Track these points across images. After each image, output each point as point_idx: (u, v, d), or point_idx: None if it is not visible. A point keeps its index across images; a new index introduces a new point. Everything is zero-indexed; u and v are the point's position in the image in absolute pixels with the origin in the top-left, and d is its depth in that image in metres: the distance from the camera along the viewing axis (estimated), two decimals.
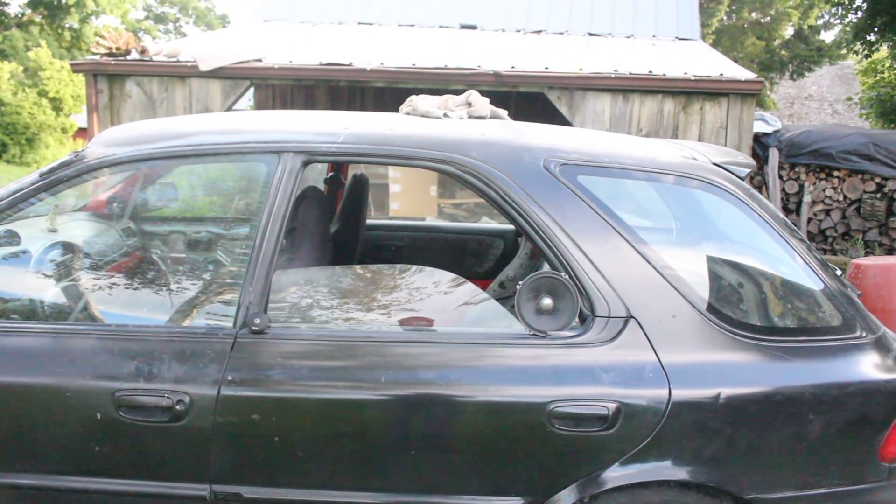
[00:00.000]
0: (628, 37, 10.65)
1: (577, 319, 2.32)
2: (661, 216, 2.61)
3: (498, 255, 4.29)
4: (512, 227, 4.34)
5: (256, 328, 2.25)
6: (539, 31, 10.81)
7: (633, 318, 2.32)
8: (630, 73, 7.61)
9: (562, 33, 10.73)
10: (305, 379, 2.27)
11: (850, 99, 18.01)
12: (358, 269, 2.81)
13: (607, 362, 2.28)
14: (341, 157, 2.43)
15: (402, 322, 2.49)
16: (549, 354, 2.29)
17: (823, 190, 9.48)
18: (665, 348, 2.30)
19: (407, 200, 8.69)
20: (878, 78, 16.67)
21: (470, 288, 2.59)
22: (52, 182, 2.42)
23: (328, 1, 11.42)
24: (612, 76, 7.60)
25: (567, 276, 2.30)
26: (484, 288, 4.25)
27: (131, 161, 2.45)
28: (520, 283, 2.28)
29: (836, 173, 9.52)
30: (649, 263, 2.36)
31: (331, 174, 4.01)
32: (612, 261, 2.35)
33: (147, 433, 2.23)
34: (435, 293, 2.72)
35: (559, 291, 2.30)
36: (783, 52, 20.70)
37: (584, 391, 2.25)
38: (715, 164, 2.62)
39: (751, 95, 7.39)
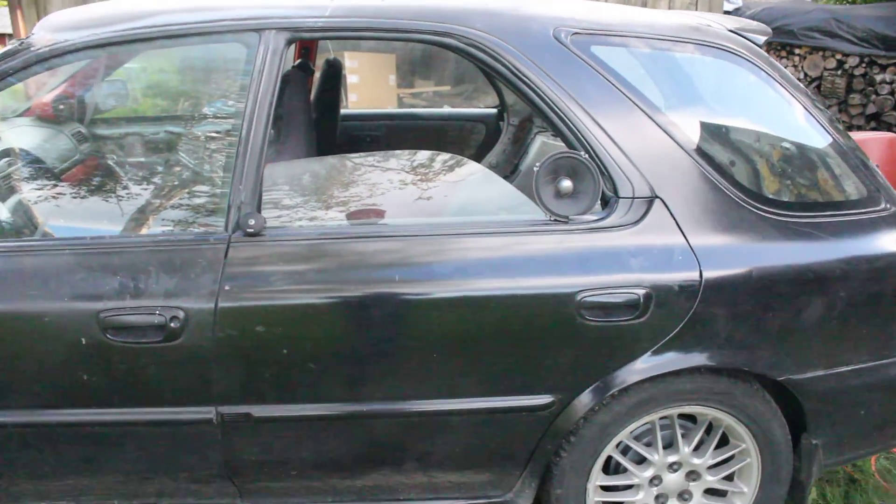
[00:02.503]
0: None
1: (599, 202, 2.15)
2: (681, 88, 2.40)
3: (480, 141, 4.07)
4: (493, 111, 4.11)
5: (251, 230, 2.02)
6: None
7: (658, 197, 2.16)
8: None
9: None
10: (312, 283, 2.06)
11: None
12: (356, 157, 2.55)
13: (635, 246, 2.13)
14: (330, 32, 2.15)
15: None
16: (573, 241, 2.13)
17: (784, 68, 9.32)
18: (693, 229, 2.16)
19: (365, 91, 8.28)
20: None
21: (482, 173, 2.38)
22: None
23: None
24: None
25: (586, 155, 2.12)
26: None
27: (88, 47, 2.12)
28: (537, 164, 2.09)
29: (797, 51, 9.37)
30: (672, 139, 2.19)
31: (298, 60, 3.69)
32: (634, 137, 2.17)
33: (140, 355, 2.02)
34: (444, 179, 2.51)
35: (579, 172, 2.12)
36: None
37: (612, 278, 2.11)
38: (732, 32, 2.41)
39: None
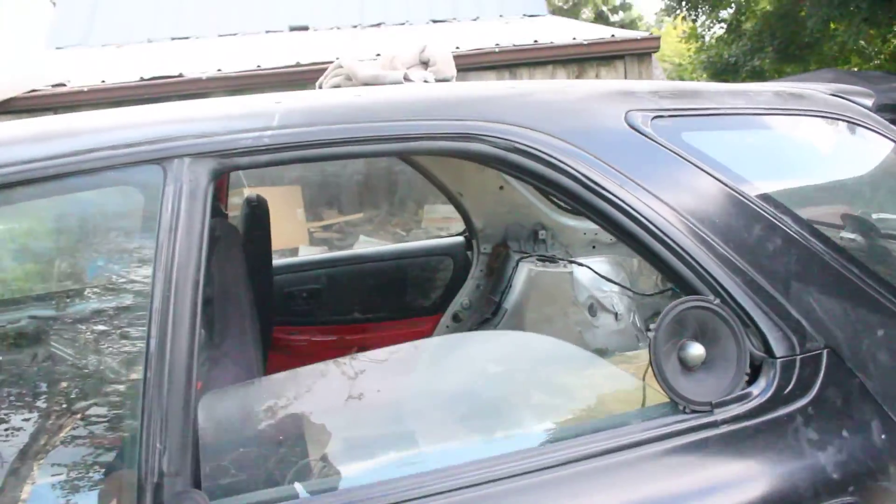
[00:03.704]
0: (474, 19, 9.86)
1: (747, 371, 1.34)
2: (811, 177, 1.66)
3: (447, 279, 3.23)
4: (459, 239, 3.29)
5: None
6: (378, 24, 9.80)
7: (829, 348, 1.37)
8: (514, 46, 6.73)
9: (403, 24, 9.78)
10: None
11: (680, 64, 18.39)
12: (356, 359, 1.61)
13: (818, 436, 1.33)
14: (282, 153, 1.28)
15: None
16: (724, 445, 1.30)
17: None
18: (887, 391, 1.38)
19: (272, 230, 7.35)
20: (700, 43, 17.06)
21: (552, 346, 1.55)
22: None
23: (132, 18, 9.81)
24: (496, 51, 6.70)
25: (718, 301, 1.33)
26: (433, 326, 3.23)
27: None
28: (652, 325, 1.29)
29: None
30: (829, 252, 1.43)
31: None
32: (779, 260, 1.39)
33: None
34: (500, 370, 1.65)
35: (711, 328, 1.33)
36: None
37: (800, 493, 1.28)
38: (836, 96, 1.73)
39: (647, 55, 6.75)
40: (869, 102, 1.78)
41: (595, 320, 3.17)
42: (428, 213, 8.57)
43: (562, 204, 3.23)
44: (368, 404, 1.48)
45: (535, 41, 6.93)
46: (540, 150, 1.34)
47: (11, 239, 1.44)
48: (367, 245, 7.36)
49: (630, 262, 3.42)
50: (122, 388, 1.22)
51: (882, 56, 15.68)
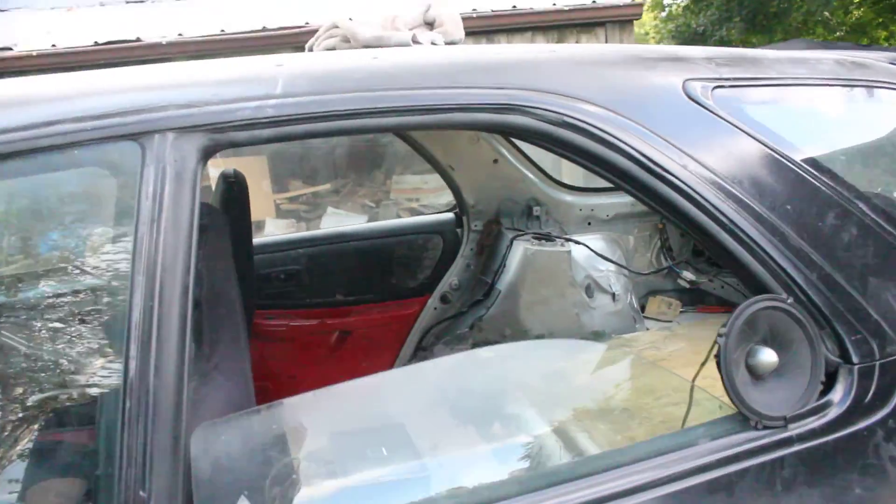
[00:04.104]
0: None
1: (822, 380, 1.18)
2: (884, 158, 1.48)
3: (436, 258, 3.02)
4: (449, 216, 3.08)
5: None
6: None
7: None
8: (492, 11, 6.46)
9: None
10: None
11: (646, 34, 18.25)
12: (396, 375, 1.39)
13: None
14: (289, 126, 1.06)
15: None
16: (801, 466, 1.13)
17: None
18: None
19: None
20: (663, 11, 16.93)
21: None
22: None
23: None
24: (474, 16, 6.42)
25: (791, 300, 1.15)
26: (421, 308, 3.02)
27: None
28: (723, 328, 1.11)
29: None
30: None
31: None
32: (856, 253, 1.22)
33: None
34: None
35: (784, 332, 1.16)
36: None
37: None
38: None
39: (629, 22, 6.54)
40: None
41: (592, 301, 3.00)
42: (396, 183, 8.31)
43: (562, 181, 3.05)
44: (390, 435, 1.28)
45: (514, 7, 6.66)
46: (593, 125, 1.13)
47: None
48: (335, 217, 7.11)
49: (626, 239, 3.26)
50: (93, 419, 0.99)
51: (844, 27, 15.71)
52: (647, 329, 3.16)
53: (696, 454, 1.10)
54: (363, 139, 7.79)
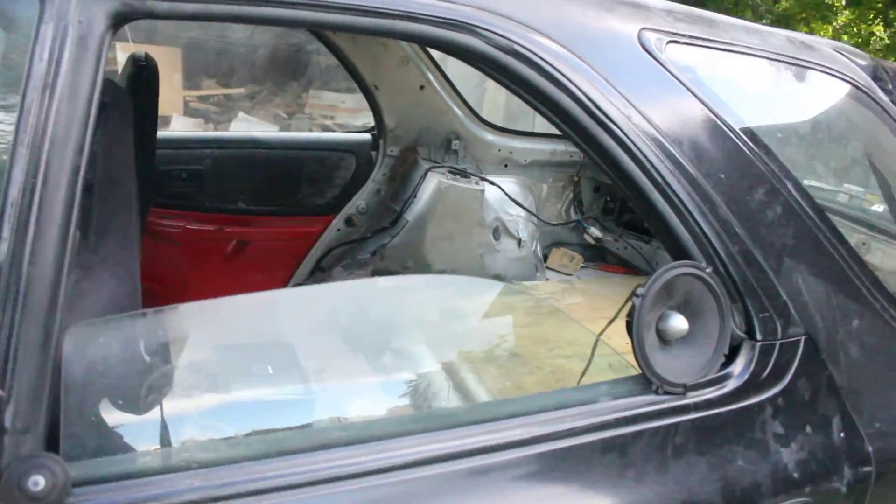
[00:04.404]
0: None
1: (726, 353, 1.19)
2: (813, 137, 1.48)
3: (346, 178, 2.92)
4: (366, 137, 2.97)
5: (38, 497, 0.79)
6: None
7: (807, 335, 1.23)
8: None
9: None
10: None
11: None
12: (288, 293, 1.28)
13: (783, 430, 1.20)
14: (214, 3, 0.94)
15: None
16: (692, 434, 1.14)
17: None
18: (853, 382, 1.28)
19: None
20: None
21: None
22: None
23: None
24: None
25: (710, 269, 1.15)
26: (324, 228, 2.93)
27: None
28: (640, 289, 1.09)
29: None
30: (823, 229, 1.28)
31: None
32: (777, 232, 1.22)
33: None
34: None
35: (698, 300, 1.16)
36: None
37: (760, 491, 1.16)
38: (838, 52, 1.55)
39: None
40: (868, 67, 1.61)
41: (498, 244, 2.99)
42: (313, 98, 8.04)
43: (485, 119, 2.99)
44: (261, 352, 1.21)
45: None
46: (543, 59, 1.07)
47: None
48: (245, 123, 6.81)
49: (539, 186, 3.25)
50: None
51: (771, 16, 16.10)
52: (548, 280, 3.18)
53: (596, 411, 1.09)
54: (288, 45, 7.46)
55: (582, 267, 3.36)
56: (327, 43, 2.60)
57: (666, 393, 1.13)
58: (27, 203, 0.80)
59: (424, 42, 1.08)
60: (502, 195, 3.01)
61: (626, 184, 1.13)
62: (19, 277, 0.79)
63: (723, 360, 1.18)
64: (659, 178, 1.12)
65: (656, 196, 1.13)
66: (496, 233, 2.98)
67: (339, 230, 2.91)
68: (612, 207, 3.40)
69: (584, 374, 1.39)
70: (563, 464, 1.05)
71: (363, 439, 0.98)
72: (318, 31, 2.44)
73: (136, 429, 0.99)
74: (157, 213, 2.59)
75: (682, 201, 1.13)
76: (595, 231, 3.31)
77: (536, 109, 1.10)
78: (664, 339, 1.15)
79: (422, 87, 2.73)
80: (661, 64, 1.17)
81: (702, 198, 1.14)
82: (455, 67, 2.33)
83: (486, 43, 1.04)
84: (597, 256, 3.43)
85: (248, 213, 2.81)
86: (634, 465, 1.09)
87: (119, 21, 0.89)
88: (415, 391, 1.49)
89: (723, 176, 1.17)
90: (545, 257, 3.30)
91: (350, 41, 2.57)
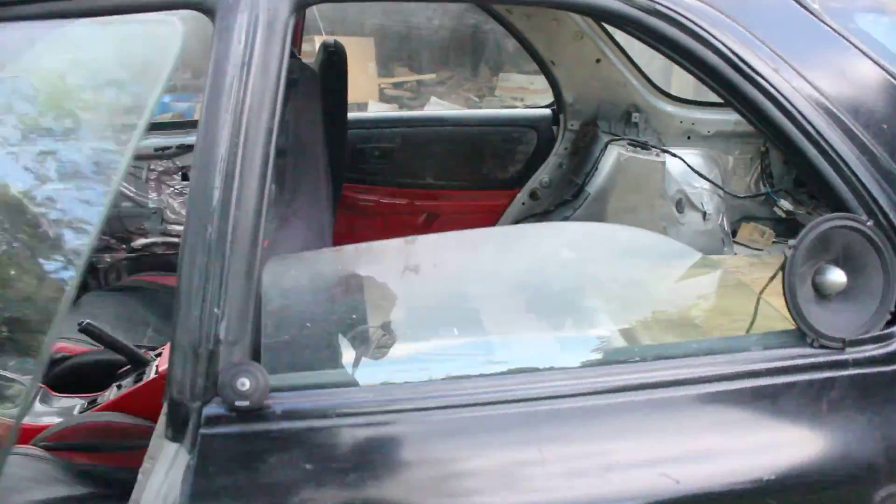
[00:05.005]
0: None
1: (892, 310, 1.16)
2: None
3: (529, 153, 3.02)
4: (546, 112, 3.05)
5: (242, 401, 0.96)
6: None
7: None
8: None
9: None
10: None
11: None
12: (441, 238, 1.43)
13: None
14: None
15: None
16: (851, 391, 1.13)
17: None
18: None
19: None
20: None
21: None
22: None
23: None
24: None
25: (872, 223, 1.12)
26: (509, 201, 3.05)
27: None
28: (790, 242, 1.09)
29: None
30: None
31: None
32: None
33: None
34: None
35: (856, 254, 1.13)
36: None
37: None
38: None
39: None
40: None
41: (682, 217, 2.96)
42: (503, 81, 8.19)
43: (661, 88, 2.96)
44: (445, 288, 1.33)
45: None
46: (686, 17, 1.10)
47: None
48: (438, 107, 7.10)
49: (725, 158, 3.16)
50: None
51: None
52: (735, 255, 3.10)
53: (746, 359, 1.11)
54: (477, 30, 7.67)
55: (773, 242, 3.23)
56: (502, 21, 2.71)
57: (822, 347, 1.12)
58: (232, 159, 0.98)
59: (569, 7, 1.14)
60: (685, 167, 2.97)
61: (778, 137, 1.14)
62: (228, 220, 0.97)
63: (888, 317, 1.15)
64: (811, 129, 1.12)
65: (810, 149, 1.12)
66: (679, 205, 2.95)
67: (523, 204, 3.02)
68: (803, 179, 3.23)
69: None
70: (713, 406, 1.09)
71: (535, 368, 1.08)
72: (483, 6, 2.53)
73: (321, 349, 1.15)
74: (353, 188, 2.84)
75: (837, 152, 1.12)
76: (786, 204, 3.17)
77: (683, 67, 1.14)
78: (822, 292, 1.14)
79: (598, 61, 2.76)
80: (812, 13, 1.16)
81: (860, 149, 1.12)
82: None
83: (627, 5, 1.09)
84: (790, 231, 3.27)
85: (437, 188, 3.00)
86: (787, 415, 1.10)
87: (300, 6, 1.05)
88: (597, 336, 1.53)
89: (885, 127, 1.13)
90: (734, 232, 3.21)
91: (524, 18, 2.66)
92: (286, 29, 1.03)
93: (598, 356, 1.27)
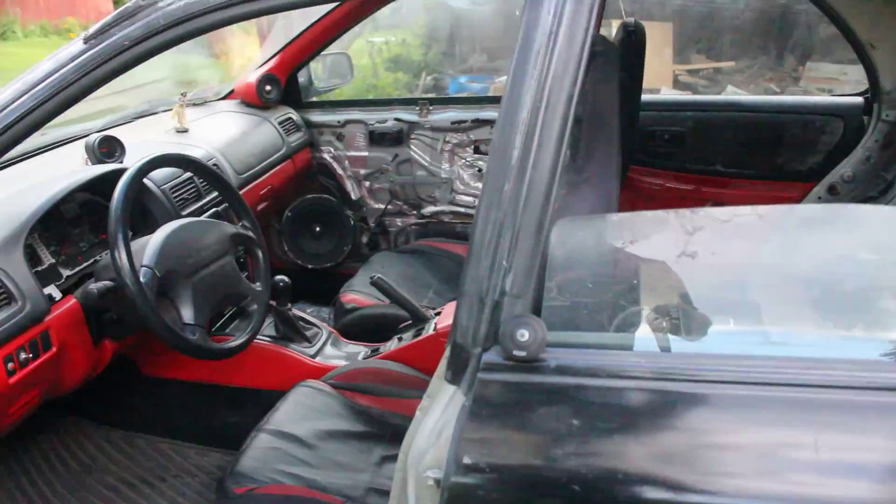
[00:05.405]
0: None
1: None
2: None
3: (833, 143, 2.79)
4: (857, 100, 2.80)
5: (520, 351, 1.04)
6: None
7: None
8: None
9: None
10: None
11: None
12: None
13: None
14: None
15: None
16: None
17: None
18: None
19: None
20: None
21: None
22: (107, 52, 1.30)
23: None
24: None
25: None
26: (804, 195, 2.84)
27: None
28: None
29: None
30: None
31: None
32: None
33: None
34: None
35: None
36: None
37: None
38: None
39: None
40: None
41: None
42: (810, 70, 7.53)
43: None
44: (733, 264, 1.29)
45: None
46: None
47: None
48: (733, 97, 6.74)
49: None
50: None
51: None
52: None
53: None
54: (784, 14, 7.14)
55: None
56: (816, 1, 2.52)
57: None
58: (533, 121, 1.06)
59: None
60: None
61: None
62: (524, 178, 1.05)
63: None
64: None
65: None
66: None
67: (819, 198, 2.80)
68: None
69: None
70: None
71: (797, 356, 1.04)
72: None
73: (598, 311, 1.20)
74: (640, 171, 2.83)
75: None
76: None
77: None
78: None
79: None
80: None
81: None
82: None
83: None
84: None
85: (726, 176, 2.89)
86: None
87: None
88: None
89: None
90: None
91: None
92: (594, 2, 1.08)
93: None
